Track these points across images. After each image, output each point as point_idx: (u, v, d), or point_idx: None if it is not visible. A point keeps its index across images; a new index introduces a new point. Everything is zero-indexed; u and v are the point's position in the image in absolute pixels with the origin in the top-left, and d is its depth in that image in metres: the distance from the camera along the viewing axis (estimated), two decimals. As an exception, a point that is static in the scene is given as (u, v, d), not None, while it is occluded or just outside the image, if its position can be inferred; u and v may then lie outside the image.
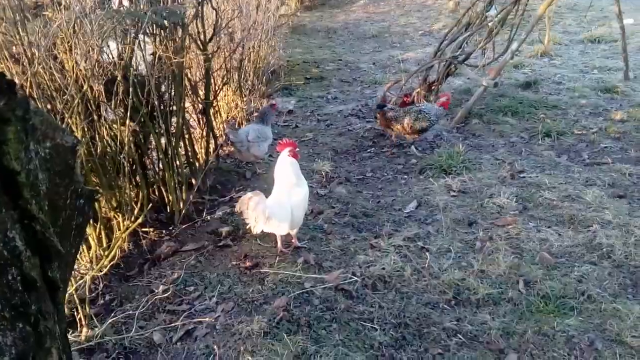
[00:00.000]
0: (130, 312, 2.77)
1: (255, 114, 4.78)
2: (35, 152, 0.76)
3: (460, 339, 2.53)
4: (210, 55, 4.04)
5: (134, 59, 3.30)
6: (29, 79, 2.25)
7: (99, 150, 3.02)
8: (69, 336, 2.49)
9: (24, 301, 0.72)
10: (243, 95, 5.81)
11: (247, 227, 3.25)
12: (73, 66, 2.49)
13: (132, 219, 3.19)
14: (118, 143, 3.16)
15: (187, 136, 4.09)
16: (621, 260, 3.07)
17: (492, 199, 3.92)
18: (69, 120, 2.53)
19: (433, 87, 6.49)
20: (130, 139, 3.28)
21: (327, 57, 9.75)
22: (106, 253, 2.81)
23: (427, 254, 3.25)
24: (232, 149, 4.68)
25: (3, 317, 0.70)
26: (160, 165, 3.75)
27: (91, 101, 2.81)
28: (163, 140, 3.64)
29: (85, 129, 2.78)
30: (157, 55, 3.34)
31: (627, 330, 2.51)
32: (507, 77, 7.25)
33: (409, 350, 2.47)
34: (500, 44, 5.99)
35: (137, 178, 3.54)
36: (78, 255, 3.03)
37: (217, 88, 4.73)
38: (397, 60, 8.83)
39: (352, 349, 2.49)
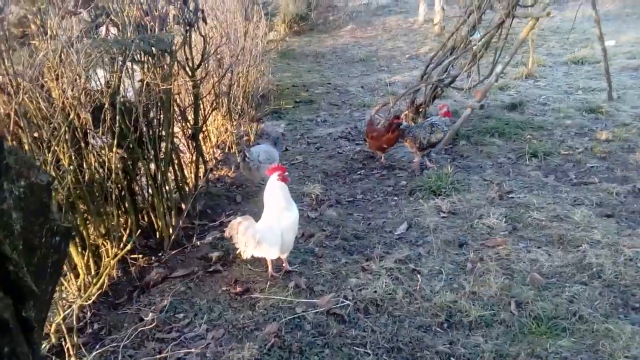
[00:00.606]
0: (119, 341, 2.71)
1: (245, 140, 4.87)
2: (9, 191, 0.75)
3: (453, 362, 2.51)
4: (198, 82, 4.07)
5: (121, 86, 3.32)
6: (13, 109, 2.25)
7: (86, 177, 2.99)
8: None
9: (-5, 345, 0.70)
10: (232, 120, 5.84)
11: (237, 251, 3.23)
12: (60, 94, 2.49)
13: (121, 245, 3.16)
14: (106, 170, 3.14)
15: (176, 161, 4.08)
16: (611, 280, 3.08)
17: (482, 220, 3.94)
18: (56, 148, 2.51)
19: (420, 110, 6.59)
20: (119, 165, 3.28)
21: (316, 80, 9.87)
22: (94, 281, 2.77)
23: (418, 276, 3.24)
24: (227, 171, 4.80)
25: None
26: (150, 191, 3.73)
27: (78, 129, 2.80)
28: (152, 166, 3.64)
29: (73, 157, 2.76)
30: (145, 82, 3.35)
31: (620, 350, 2.50)
32: (492, 99, 7.37)
33: (402, 375, 2.44)
34: (484, 67, 6.10)
35: (126, 204, 3.51)
36: (66, 284, 2.99)
37: (206, 113, 4.75)
38: (385, 84, 8.95)
39: (344, 375, 2.45)
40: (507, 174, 4.92)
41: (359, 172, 5.31)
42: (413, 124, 5.73)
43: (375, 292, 3.08)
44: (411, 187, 4.74)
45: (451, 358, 2.54)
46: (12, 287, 0.74)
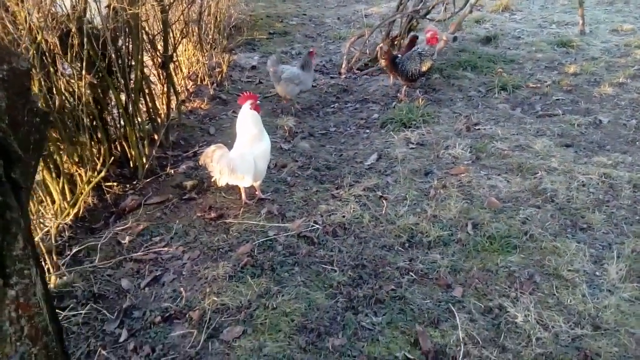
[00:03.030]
0: (98, 262, 2.85)
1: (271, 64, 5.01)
2: None
3: (412, 276, 2.74)
4: (167, 7, 3.97)
5: (88, 11, 3.24)
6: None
7: (57, 104, 2.99)
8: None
9: (-8, 193, 0.82)
10: (204, 50, 5.74)
11: (212, 179, 3.33)
12: (26, 17, 2.44)
13: (95, 173, 3.23)
14: (76, 97, 3.14)
15: (147, 91, 4.06)
16: (563, 204, 3.31)
17: (448, 150, 4.10)
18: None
19: (396, 42, 6.56)
20: (89, 93, 3.27)
21: (291, 11, 9.61)
22: (70, 203, 2.85)
23: (384, 202, 3.42)
24: (200, 103, 5.01)
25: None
26: (122, 121, 3.75)
27: (47, 53, 2.77)
28: (123, 96, 3.63)
29: (42, 82, 2.75)
30: (112, 7, 3.27)
31: (564, 265, 2.76)
32: (468, 32, 7.36)
33: (365, 288, 2.66)
34: (459, -1, 6.06)
35: (98, 133, 3.53)
36: (43, 209, 3.07)
37: (176, 42, 4.67)
38: (362, 15, 8.78)
39: (312, 289, 2.66)
40: (476, 106, 5.04)
41: (332, 106, 5.37)
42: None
43: (344, 216, 3.26)
44: (383, 120, 4.84)
45: (410, 272, 2.76)
46: (2, 151, 0.84)
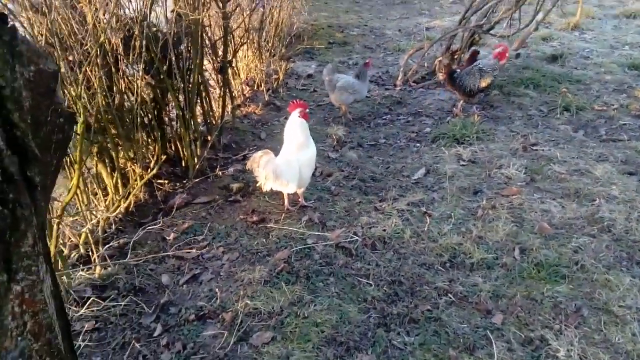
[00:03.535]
0: (142, 255, 2.96)
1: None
2: (20, 73, 0.89)
3: (450, 298, 2.64)
4: (229, 14, 4.10)
5: (154, 15, 3.40)
6: (46, 26, 2.38)
7: (116, 102, 3.15)
8: (84, 273, 2.70)
9: (3, 190, 0.86)
10: (262, 57, 5.86)
11: (257, 184, 3.38)
12: (92, 16, 2.59)
13: (148, 170, 3.36)
14: (136, 96, 3.29)
15: (204, 94, 4.20)
16: (621, 235, 3.09)
17: (501, 170, 3.94)
18: (87, 68, 2.65)
19: (456, 56, 6.43)
20: (148, 93, 3.42)
21: (353, 22, 9.66)
22: (122, 197, 2.98)
23: (428, 218, 3.33)
24: (254, 108, 5.23)
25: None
26: (177, 122, 3.89)
27: (109, 53, 2.93)
28: (181, 98, 3.76)
29: (103, 80, 2.90)
30: (175, 12, 3.42)
31: (615, 300, 2.57)
32: (534, 49, 7.09)
33: (399, 305, 2.59)
34: (526, 14, 5.86)
35: (155, 132, 3.68)
36: (96, 201, 3.23)
37: (236, 48, 4.80)
38: (423, 28, 8.68)
39: (345, 301, 2.62)
40: (535, 126, 4.83)
41: (384, 117, 5.32)
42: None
43: (385, 230, 3.20)
44: (435, 134, 4.74)
45: (448, 294, 2.67)
46: (19, 150, 0.89)
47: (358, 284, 2.76)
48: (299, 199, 3.52)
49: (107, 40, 2.80)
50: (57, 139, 1.00)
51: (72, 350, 1.18)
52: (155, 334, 2.43)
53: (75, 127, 1.13)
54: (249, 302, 2.58)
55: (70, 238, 2.96)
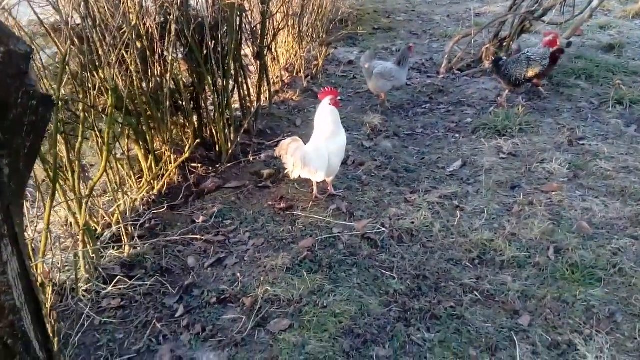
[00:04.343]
0: (171, 237, 3.03)
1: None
2: None
3: (476, 296, 2.55)
4: (267, -1, 4.08)
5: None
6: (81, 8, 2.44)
7: (151, 86, 3.21)
8: (115, 252, 2.79)
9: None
10: (302, 43, 5.82)
11: (286, 171, 3.38)
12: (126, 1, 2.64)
13: (182, 153, 3.43)
14: (172, 81, 3.34)
15: (242, 80, 4.22)
16: (668, 238, 2.88)
17: (543, 164, 3.76)
18: (123, 52, 2.70)
19: (505, 44, 6.15)
20: (185, 77, 3.46)
21: (400, 7, 9.43)
22: (155, 179, 3.05)
23: (460, 212, 3.22)
24: (292, 94, 5.28)
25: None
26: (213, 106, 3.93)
27: (144, 37, 2.97)
28: (218, 82, 3.79)
29: (138, 63, 2.96)
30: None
31: (655, 307, 2.40)
32: (589, 37, 6.69)
33: (422, 301, 2.53)
34: (581, 1, 5.51)
35: (189, 116, 3.73)
36: (130, 182, 3.32)
37: (276, 33, 4.78)
38: (474, 14, 8.35)
39: (367, 293, 2.59)
40: (584, 119, 4.56)
41: (423, 106, 5.18)
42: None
43: (413, 222, 3.13)
44: (475, 125, 4.57)
45: (475, 291, 2.57)
46: None
47: (381, 276, 2.71)
48: (328, 188, 3.49)
49: (141, 24, 2.84)
50: (30, 122, 1.01)
51: (44, 334, 1.19)
52: (177, 315, 2.48)
53: (52, 109, 1.12)
54: (269, 288, 2.59)
55: (104, 217, 3.07)
